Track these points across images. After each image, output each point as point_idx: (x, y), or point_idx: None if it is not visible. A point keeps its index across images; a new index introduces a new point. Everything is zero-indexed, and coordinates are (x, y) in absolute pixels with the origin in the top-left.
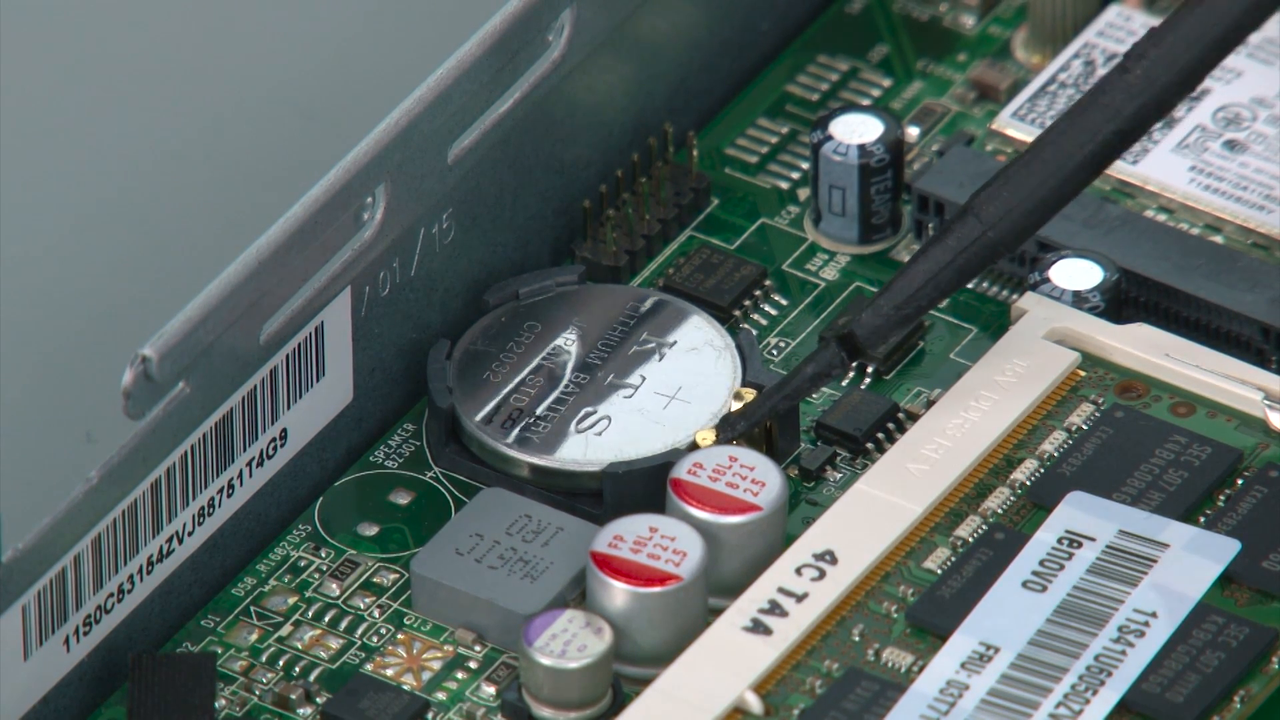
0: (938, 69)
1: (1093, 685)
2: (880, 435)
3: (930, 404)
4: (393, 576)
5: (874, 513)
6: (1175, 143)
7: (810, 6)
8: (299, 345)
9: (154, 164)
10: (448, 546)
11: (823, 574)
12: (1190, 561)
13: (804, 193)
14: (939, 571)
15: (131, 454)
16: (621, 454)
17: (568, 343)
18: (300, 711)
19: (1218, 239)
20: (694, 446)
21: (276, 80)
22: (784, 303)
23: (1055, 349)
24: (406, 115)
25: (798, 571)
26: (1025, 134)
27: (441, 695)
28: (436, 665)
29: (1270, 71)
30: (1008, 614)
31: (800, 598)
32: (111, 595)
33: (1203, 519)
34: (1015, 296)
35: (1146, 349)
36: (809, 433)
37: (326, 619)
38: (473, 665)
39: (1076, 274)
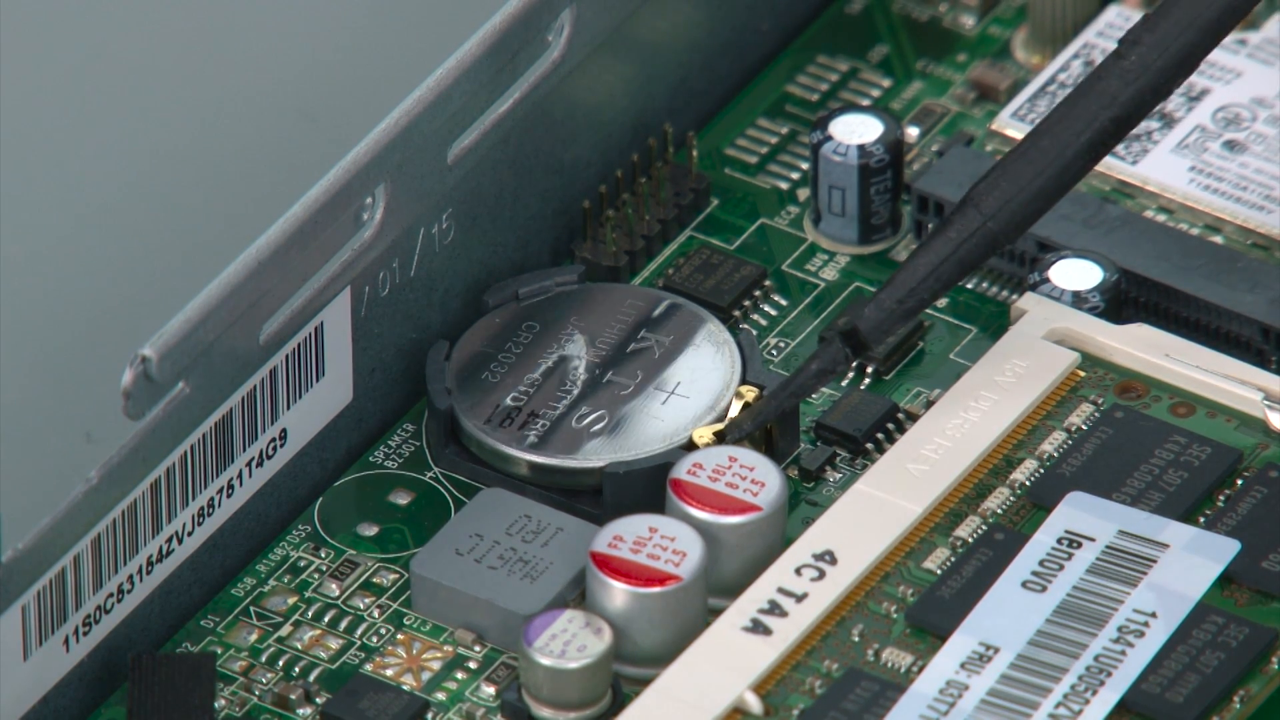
0: (937, 69)
1: (1092, 685)
2: (880, 436)
3: (930, 404)
4: (392, 577)
5: (874, 513)
6: (1175, 143)
7: (810, 7)
8: (299, 345)
9: (154, 164)
10: (447, 547)
11: (822, 574)
12: (1190, 562)
13: (804, 193)
14: (939, 572)
15: (131, 454)
16: (621, 452)
17: (567, 343)
18: (300, 712)
19: (1217, 239)
20: (692, 446)
21: (276, 80)
22: (784, 303)
23: (1055, 349)
24: (406, 115)
25: (797, 572)
26: (1025, 134)
27: (441, 695)
28: (436, 665)
29: (1270, 72)
30: (1007, 614)
31: (800, 598)
32: (111, 595)
33: (1202, 519)
34: (1015, 297)
35: (1146, 349)
36: (809, 433)
37: (326, 619)
38: (472, 665)
39: (1076, 274)
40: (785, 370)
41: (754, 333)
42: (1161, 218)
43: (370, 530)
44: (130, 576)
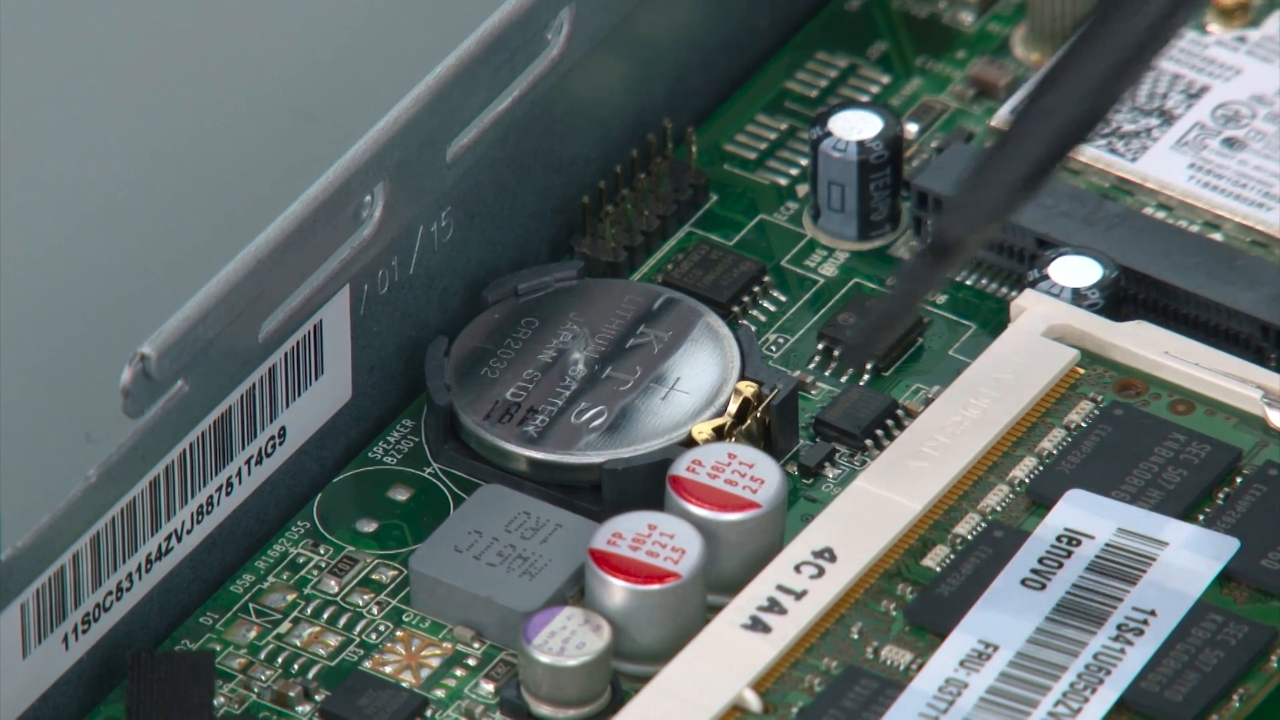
0: (937, 66)
1: (1091, 684)
2: (879, 432)
3: (929, 401)
4: (391, 573)
5: (873, 510)
6: (1174, 140)
7: (809, 3)
8: (298, 343)
9: (154, 163)
10: (446, 543)
11: (822, 571)
12: (1189, 560)
13: (803, 189)
14: (938, 569)
15: (130, 452)
16: (620, 448)
17: (566, 338)
18: (299, 709)
19: (1217, 236)
20: (691, 442)
21: (275, 79)
22: (783, 299)
23: (1054, 346)
24: (405, 113)
25: (797, 569)
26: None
27: (440, 692)
28: (435, 662)
29: (1269, 69)
30: (1007, 612)
31: (799, 595)
32: (110, 593)
33: (1202, 517)
34: (1014, 293)
35: (1146, 346)
36: (808, 429)
37: (325, 616)
38: (471, 662)
39: (1076, 271)
40: (785, 367)
41: (753, 328)
42: (1161, 215)
43: (369, 527)
44: (129, 574)
